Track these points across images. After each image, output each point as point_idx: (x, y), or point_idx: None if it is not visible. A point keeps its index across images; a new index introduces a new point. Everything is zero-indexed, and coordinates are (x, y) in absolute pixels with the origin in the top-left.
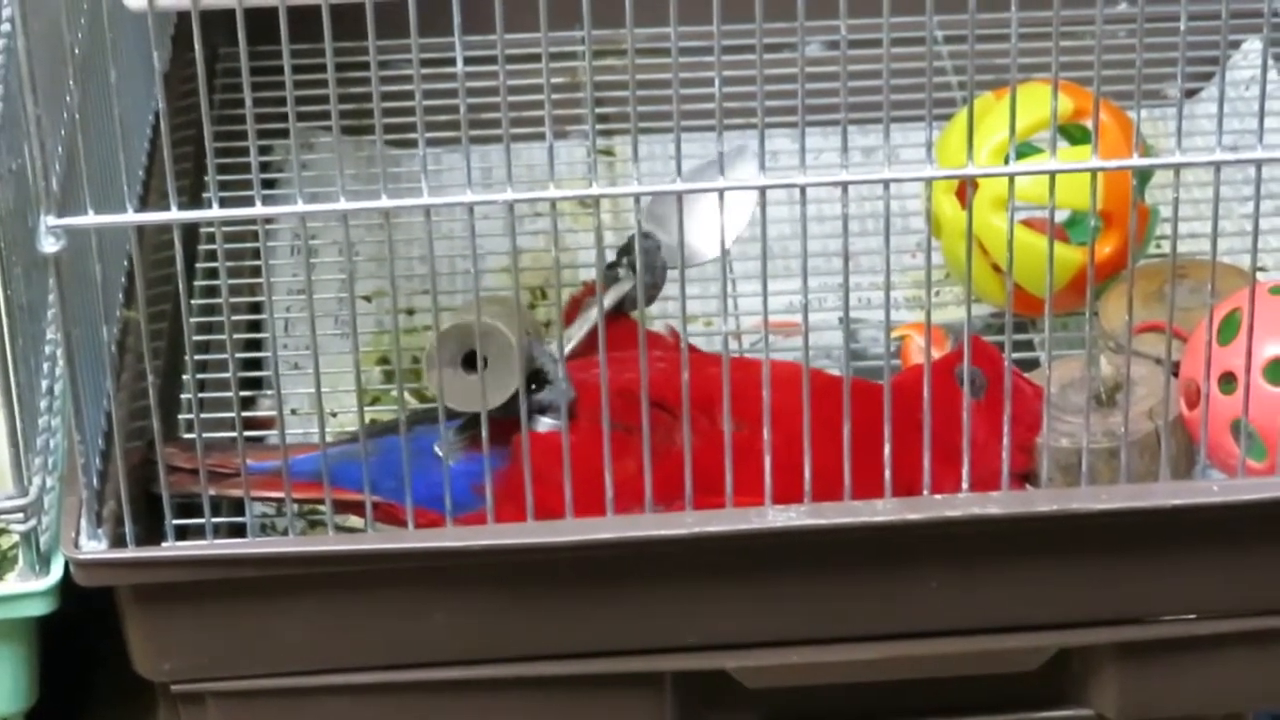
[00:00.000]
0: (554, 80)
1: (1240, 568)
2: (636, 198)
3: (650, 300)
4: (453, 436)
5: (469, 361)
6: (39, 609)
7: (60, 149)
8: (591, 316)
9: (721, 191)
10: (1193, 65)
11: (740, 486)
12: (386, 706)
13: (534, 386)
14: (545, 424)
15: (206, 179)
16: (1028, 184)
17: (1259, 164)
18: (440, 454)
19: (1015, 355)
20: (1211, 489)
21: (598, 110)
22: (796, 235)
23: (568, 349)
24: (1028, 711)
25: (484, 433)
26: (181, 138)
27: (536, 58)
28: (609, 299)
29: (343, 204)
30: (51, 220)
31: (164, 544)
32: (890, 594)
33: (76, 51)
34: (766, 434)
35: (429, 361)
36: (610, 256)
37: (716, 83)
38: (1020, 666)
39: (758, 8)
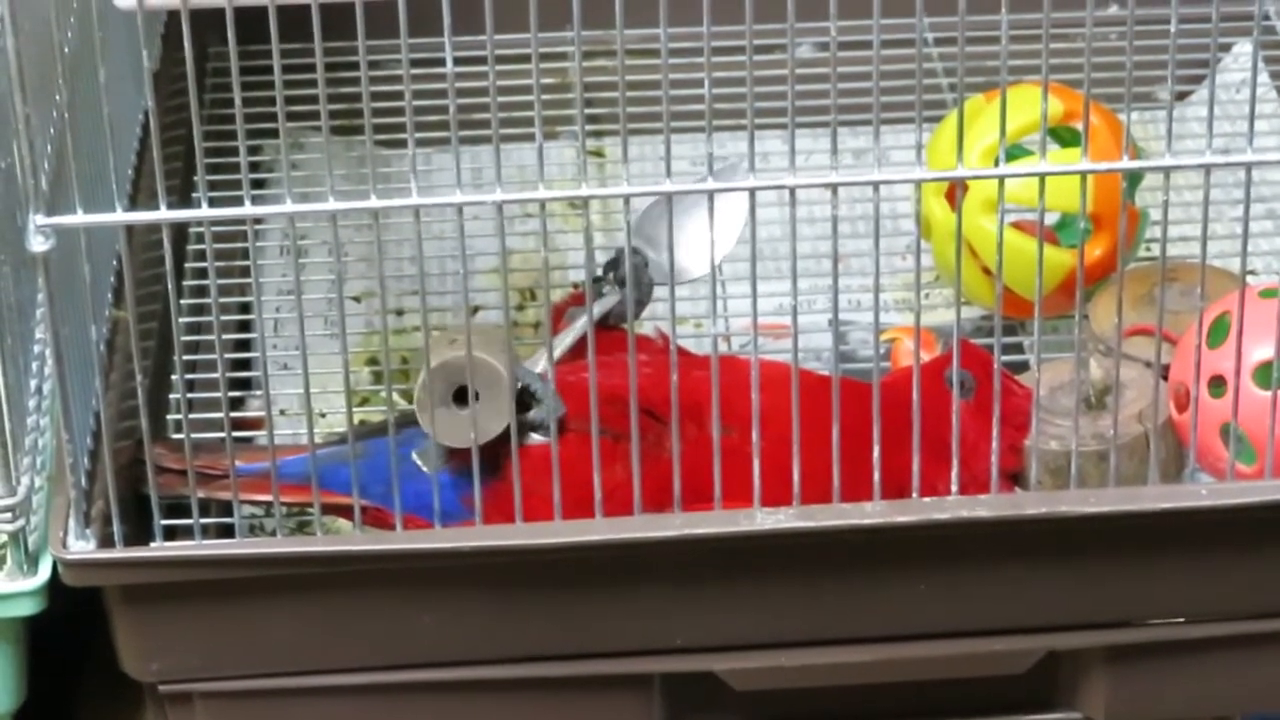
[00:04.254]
0: (544, 81)
1: (1229, 571)
2: (626, 199)
3: (635, 314)
4: (436, 446)
5: (459, 396)
6: (27, 609)
7: (49, 148)
8: (578, 326)
9: (711, 194)
10: (1183, 68)
11: (730, 491)
12: (374, 708)
13: (521, 405)
14: (534, 438)
15: (196, 179)
16: (1018, 186)
17: (1249, 167)
18: (420, 463)
19: (1005, 358)
20: (1200, 492)
21: (588, 111)
22: (786, 237)
23: (555, 356)
24: (1016, 714)
25: (475, 465)
26: (171, 137)
27: (526, 58)
28: (595, 312)
29: (331, 204)
30: (40, 219)
31: (152, 544)
32: (879, 596)
33: (66, 50)
34: (755, 436)
35: (420, 404)
36: (598, 264)
37: (706, 84)
38: (1008, 669)
39: (748, 9)
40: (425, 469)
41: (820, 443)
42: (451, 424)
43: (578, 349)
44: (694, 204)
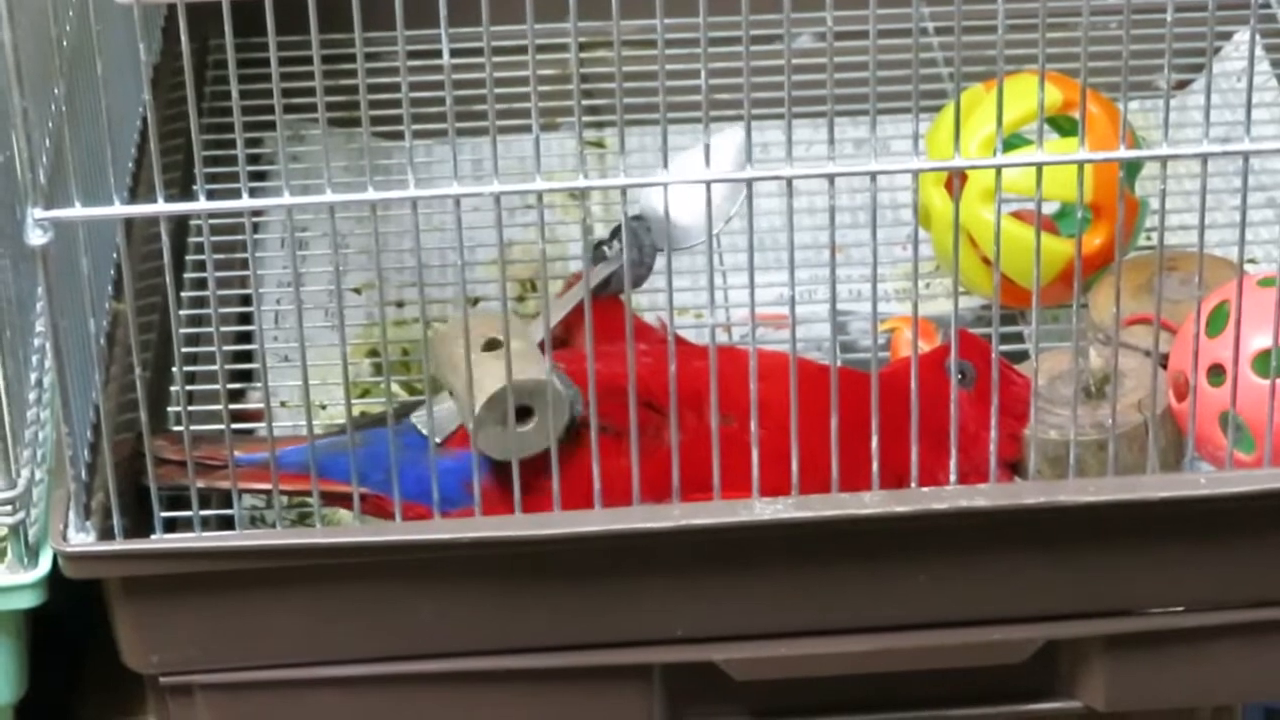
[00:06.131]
0: (546, 72)
1: (1228, 560)
2: (623, 190)
3: (640, 280)
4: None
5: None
6: (27, 601)
7: (48, 141)
8: (574, 294)
9: (709, 184)
10: (1185, 56)
11: (730, 480)
12: (374, 699)
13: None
14: None
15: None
16: (1017, 176)
17: (1246, 156)
18: (421, 429)
19: (1004, 347)
20: (1199, 481)
21: (590, 102)
22: (786, 227)
23: (553, 321)
24: (1015, 704)
25: (474, 456)
26: (174, 130)
27: (524, 49)
28: (597, 274)
29: (329, 196)
30: (38, 213)
31: (152, 536)
32: (878, 586)
33: (64, 44)
34: (754, 426)
35: (478, 423)
36: (601, 237)
37: (703, 75)
38: (1008, 659)
39: (744, 0)
40: (425, 433)
41: (820, 433)
42: (500, 441)
43: (578, 324)
44: (694, 167)
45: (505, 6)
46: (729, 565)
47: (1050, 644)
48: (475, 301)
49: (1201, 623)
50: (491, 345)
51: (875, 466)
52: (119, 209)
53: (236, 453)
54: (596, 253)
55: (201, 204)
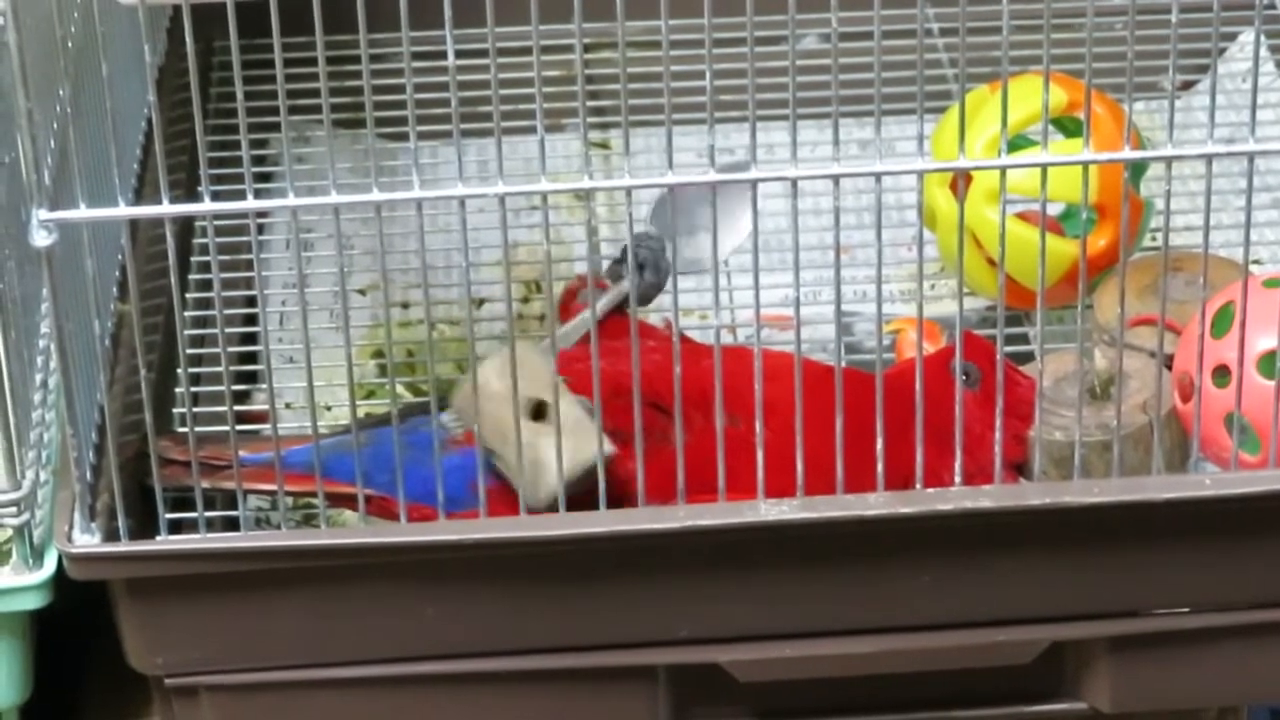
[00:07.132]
0: (551, 73)
1: (1233, 561)
2: (628, 191)
3: (651, 298)
4: (447, 423)
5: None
6: (33, 603)
7: (53, 143)
8: (584, 318)
9: (714, 185)
10: (1191, 57)
11: (736, 482)
12: (379, 700)
13: None
14: None
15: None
16: (1022, 177)
17: (1251, 156)
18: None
19: (1009, 349)
20: (1204, 482)
21: (595, 103)
22: (792, 228)
23: (563, 347)
24: (1021, 705)
25: (479, 459)
26: (179, 131)
27: (529, 50)
28: (611, 299)
29: (333, 197)
30: (43, 214)
31: (157, 538)
32: (883, 587)
33: (70, 45)
34: (759, 427)
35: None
36: (611, 253)
37: (708, 76)
38: (1013, 660)
39: (748, 1)
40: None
41: (825, 434)
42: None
43: (587, 337)
44: (708, 196)
45: (510, 7)
46: (734, 566)
47: (1055, 645)
48: (480, 303)
49: (1207, 624)
50: (539, 411)
51: (880, 468)
52: (124, 210)
53: (241, 453)
54: (611, 270)
55: (206, 205)
